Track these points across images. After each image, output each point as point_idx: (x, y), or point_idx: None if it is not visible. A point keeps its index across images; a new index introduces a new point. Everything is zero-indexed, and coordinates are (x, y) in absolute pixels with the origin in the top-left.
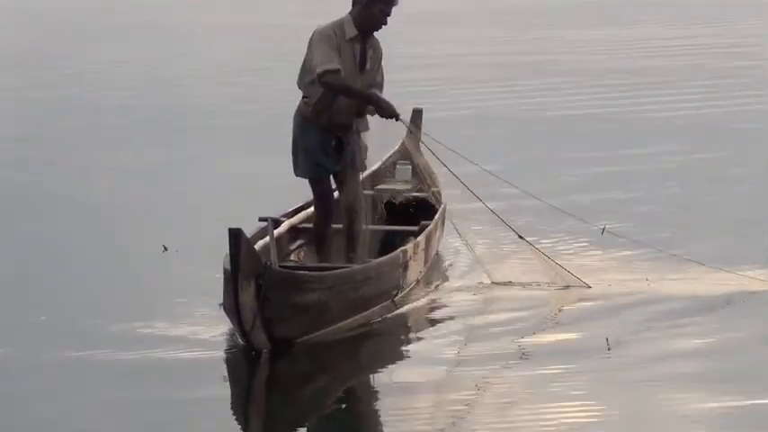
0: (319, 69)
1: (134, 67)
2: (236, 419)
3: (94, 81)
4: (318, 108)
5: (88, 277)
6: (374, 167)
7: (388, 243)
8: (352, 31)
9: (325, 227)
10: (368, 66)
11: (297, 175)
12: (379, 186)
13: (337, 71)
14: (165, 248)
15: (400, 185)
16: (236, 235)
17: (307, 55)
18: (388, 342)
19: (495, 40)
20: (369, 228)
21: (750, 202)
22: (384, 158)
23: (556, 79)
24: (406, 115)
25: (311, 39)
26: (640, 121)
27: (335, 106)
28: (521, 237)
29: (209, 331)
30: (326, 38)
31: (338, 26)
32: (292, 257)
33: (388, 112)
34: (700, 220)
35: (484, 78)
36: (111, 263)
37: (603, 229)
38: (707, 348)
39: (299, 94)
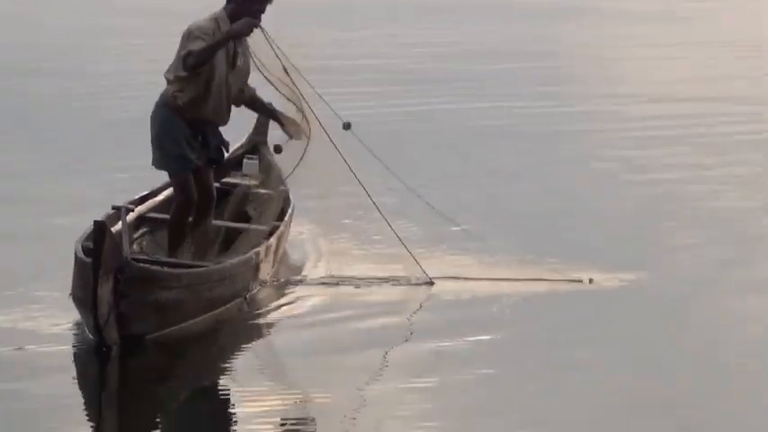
0: (184, 51)
1: None
2: (87, 416)
3: None
4: (193, 102)
5: None
6: None
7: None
8: (226, 28)
9: (183, 220)
10: (239, 63)
11: (157, 168)
12: (225, 180)
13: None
14: None
15: (247, 180)
16: (100, 228)
17: (180, 50)
18: (239, 339)
19: None
20: (216, 223)
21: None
22: (231, 151)
23: None
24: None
25: (188, 34)
26: None
27: (207, 101)
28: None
29: (53, 323)
30: (203, 33)
31: (213, 22)
32: (135, 246)
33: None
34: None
35: None
36: None
37: None
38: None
39: None
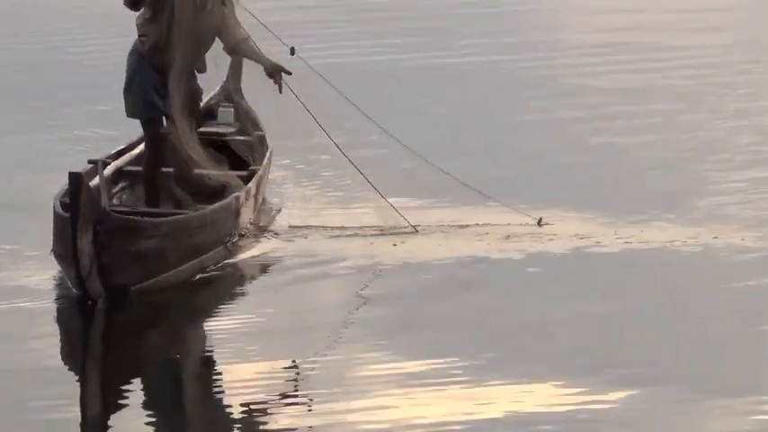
0: None
1: None
2: (71, 371)
3: None
4: (155, 48)
5: None
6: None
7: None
8: None
9: (155, 170)
10: (209, 5)
11: (128, 116)
12: (201, 129)
13: None
14: None
15: (223, 128)
16: (76, 179)
17: None
18: (222, 290)
19: None
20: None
21: None
22: (205, 100)
23: None
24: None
25: None
26: None
27: (169, 47)
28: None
29: (35, 279)
30: None
31: None
32: (114, 200)
33: None
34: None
35: None
36: None
37: None
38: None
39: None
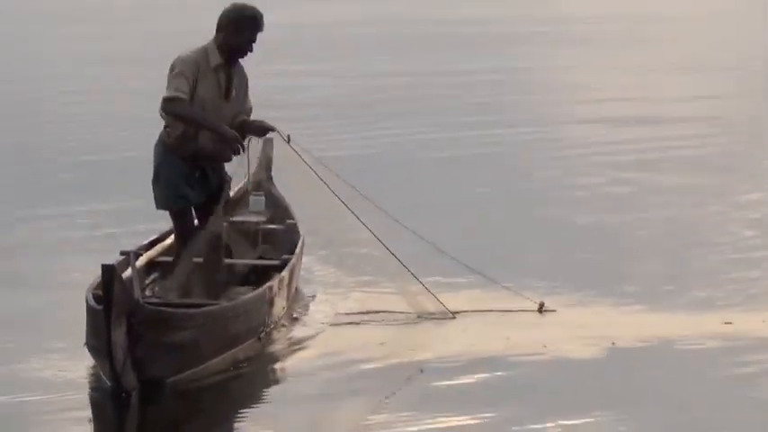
0: (166, 95)
1: None
2: None
3: None
4: (183, 138)
5: None
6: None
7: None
8: (216, 59)
9: (186, 260)
10: (233, 93)
11: (158, 208)
12: (233, 218)
13: (182, 100)
14: None
15: (254, 217)
16: (109, 271)
17: (167, 84)
18: (257, 383)
19: None
20: (228, 262)
21: None
22: (235, 189)
23: None
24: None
25: (172, 66)
26: None
27: (200, 136)
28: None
29: (70, 371)
30: (187, 66)
31: (202, 53)
32: (147, 292)
33: (230, 139)
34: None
35: None
36: None
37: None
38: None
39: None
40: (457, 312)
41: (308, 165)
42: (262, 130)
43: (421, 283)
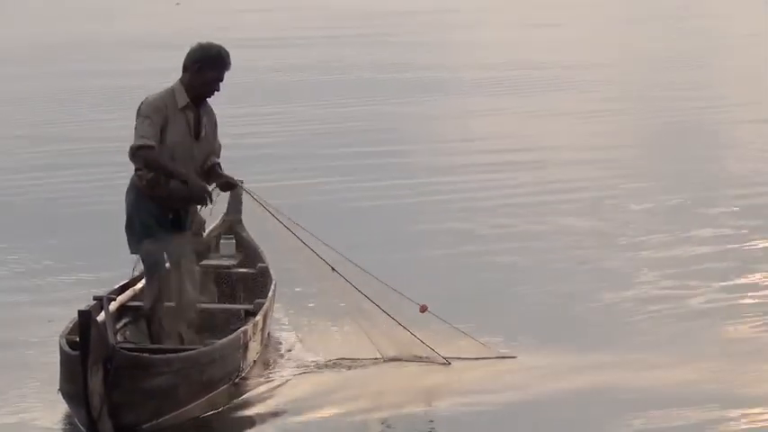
0: (134, 144)
1: None
2: None
3: None
4: (154, 181)
5: None
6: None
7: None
8: (183, 100)
9: (158, 305)
10: (203, 133)
11: (132, 252)
12: (204, 262)
13: (150, 148)
14: None
15: (225, 260)
16: (85, 316)
17: (135, 128)
18: (231, 429)
19: None
20: (200, 305)
21: None
22: (206, 232)
23: None
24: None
25: (139, 110)
26: None
27: (172, 180)
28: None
29: (42, 419)
30: (154, 110)
31: (168, 95)
32: (118, 337)
33: (198, 191)
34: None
35: None
36: None
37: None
38: None
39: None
40: (451, 358)
41: (276, 218)
42: (227, 185)
43: (410, 331)
